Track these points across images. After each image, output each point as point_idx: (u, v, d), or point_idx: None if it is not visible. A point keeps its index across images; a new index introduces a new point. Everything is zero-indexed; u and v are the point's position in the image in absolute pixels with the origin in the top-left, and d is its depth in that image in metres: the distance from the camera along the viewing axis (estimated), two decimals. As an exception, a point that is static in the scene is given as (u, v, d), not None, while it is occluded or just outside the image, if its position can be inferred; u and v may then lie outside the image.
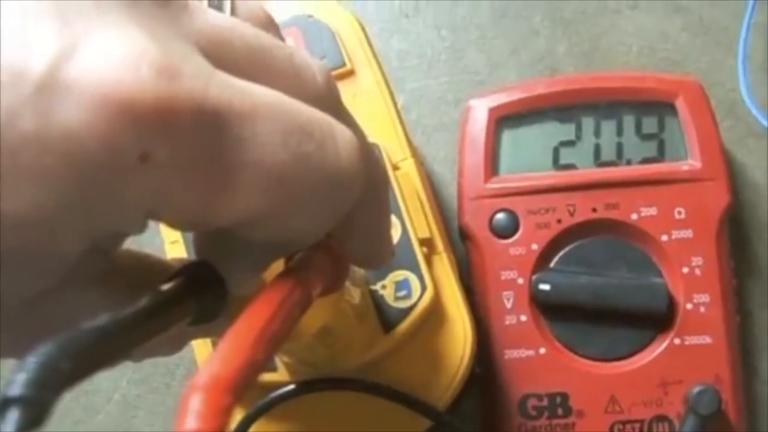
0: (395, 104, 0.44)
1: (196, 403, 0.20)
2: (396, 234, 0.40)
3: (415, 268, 0.40)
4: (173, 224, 0.25)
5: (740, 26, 0.48)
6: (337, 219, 0.27)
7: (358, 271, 0.38)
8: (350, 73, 0.44)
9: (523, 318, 0.45)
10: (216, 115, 0.22)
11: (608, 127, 0.47)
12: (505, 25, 0.53)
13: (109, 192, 0.22)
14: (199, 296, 0.26)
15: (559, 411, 0.44)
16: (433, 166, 0.50)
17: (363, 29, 0.45)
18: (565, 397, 0.44)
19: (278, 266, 0.30)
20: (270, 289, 0.25)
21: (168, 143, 0.21)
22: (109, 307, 0.24)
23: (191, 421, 0.20)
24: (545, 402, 0.44)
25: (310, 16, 0.44)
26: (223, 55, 0.24)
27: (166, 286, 0.25)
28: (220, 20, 0.25)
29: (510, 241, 0.45)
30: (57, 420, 0.49)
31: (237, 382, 0.21)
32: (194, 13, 0.24)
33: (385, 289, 0.40)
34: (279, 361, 0.39)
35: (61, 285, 0.24)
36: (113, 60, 0.21)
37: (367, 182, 0.27)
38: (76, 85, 0.21)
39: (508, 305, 0.45)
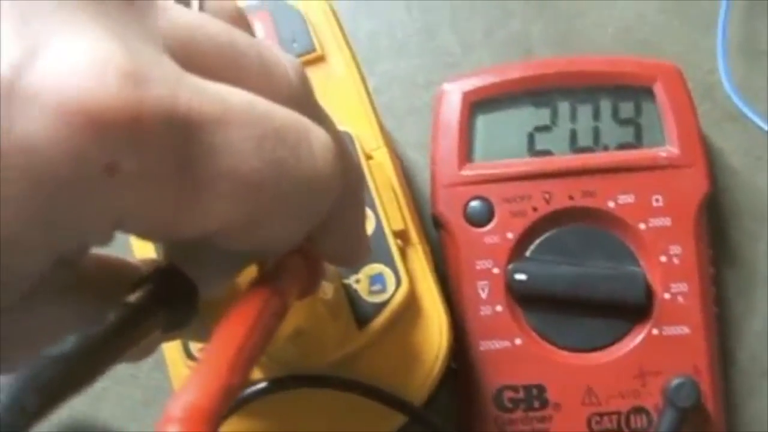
0: (367, 91, 0.43)
1: (172, 437, 0.19)
2: (370, 227, 0.39)
3: (389, 262, 0.39)
4: (142, 235, 0.24)
5: (718, 8, 0.47)
6: (314, 224, 0.26)
7: (331, 267, 0.37)
8: (321, 58, 0.42)
9: (499, 308, 0.44)
10: (186, 122, 0.21)
11: (585, 112, 0.46)
12: (479, 5, 0.51)
13: (74, 205, 0.20)
14: (169, 305, 0.25)
15: (536, 403, 0.43)
16: (405, 150, 0.49)
17: (334, 13, 0.43)
18: (541, 389, 0.43)
19: (252, 268, 0.29)
20: (244, 303, 0.24)
21: (136, 153, 0.20)
22: (77, 319, 0.23)
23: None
24: (521, 394, 0.43)
25: (278, 0, 0.43)
26: (192, 56, 0.23)
27: (134, 297, 0.24)
28: (188, 18, 0.24)
29: (485, 229, 0.44)
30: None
31: (215, 411, 0.20)
32: (161, 11, 0.23)
33: (359, 283, 0.39)
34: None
35: (25, 300, 0.23)
36: (76, 66, 0.20)
37: (343, 183, 0.26)
38: (38, 93, 0.19)
39: (484, 295, 0.44)
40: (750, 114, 0.45)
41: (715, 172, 0.47)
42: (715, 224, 0.47)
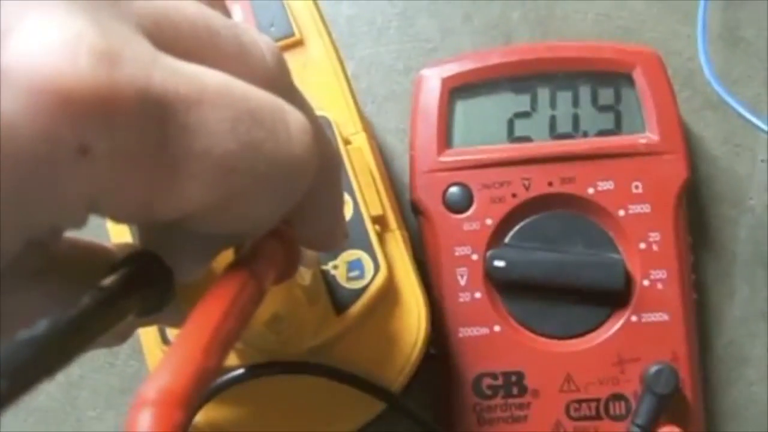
0: (346, 75, 0.42)
1: (145, 420, 0.19)
2: (348, 212, 0.39)
3: (367, 248, 0.39)
4: (117, 218, 0.24)
5: (698, -7, 0.47)
6: (290, 206, 0.25)
7: (309, 252, 0.37)
8: (299, 42, 0.42)
9: (478, 295, 0.44)
10: (160, 103, 0.21)
11: (564, 98, 0.46)
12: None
13: (46, 186, 0.20)
14: (144, 290, 0.25)
15: (514, 390, 0.43)
16: (384, 136, 0.49)
17: (314, -2, 0.43)
18: (520, 375, 0.43)
19: (228, 252, 0.28)
20: (220, 286, 0.24)
21: (109, 135, 0.20)
22: (50, 303, 0.23)
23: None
24: (500, 381, 0.43)
25: (257, -17, 0.42)
26: (167, 36, 0.22)
27: (108, 281, 0.24)
28: None
29: (464, 216, 0.44)
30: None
31: (189, 394, 0.20)
32: None
33: (337, 269, 0.39)
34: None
35: None
36: (49, 45, 0.19)
37: (319, 166, 0.26)
38: (10, 72, 0.19)
39: (462, 282, 0.44)
40: (730, 101, 0.44)
41: (695, 159, 0.47)
42: (695, 211, 0.47)
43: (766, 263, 0.47)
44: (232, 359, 0.38)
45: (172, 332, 0.38)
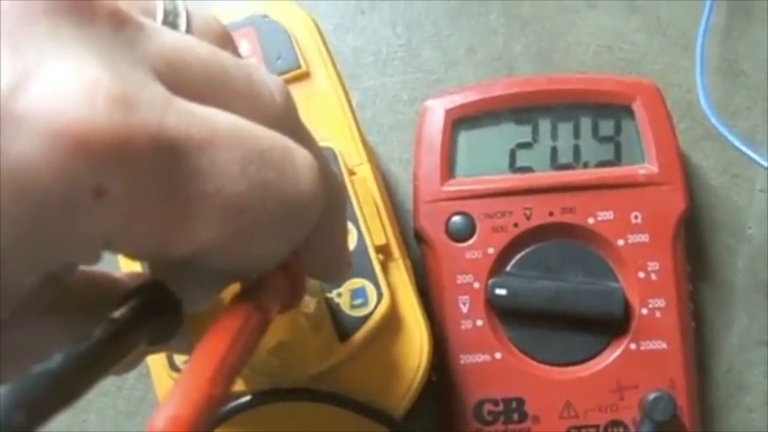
0: (351, 107, 0.43)
1: (156, 448, 0.20)
2: (352, 242, 0.40)
3: (371, 276, 0.40)
4: (130, 255, 0.25)
5: (697, 27, 0.48)
6: (298, 242, 0.26)
7: (313, 281, 0.38)
8: (305, 75, 0.43)
9: (479, 323, 0.44)
10: (173, 146, 0.22)
11: (565, 129, 0.47)
12: (462, 22, 0.52)
13: (62, 226, 0.21)
14: (154, 320, 0.26)
15: (515, 416, 0.44)
16: (388, 165, 0.50)
17: (318, 29, 0.44)
18: (520, 402, 0.44)
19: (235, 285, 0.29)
20: (226, 317, 0.25)
21: (124, 177, 0.21)
22: (64, 335, 0.23)
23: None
24: (501, 407, 0.44)
25: (265, 16, 0.43)
26: (180, 78, 0.23)
27: (119, 313, 0.24)
28: (176, 41, 0.24)
29: (466, 244, 0.45)
30: None
31: (196, 422, 0.21)
32: (150, 35, 0.24)
33: (341, 297, 0.39)
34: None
35: (13, 317, 0.24)
36: (66, 90, 0.20)
37: (325, 201, 0.27)
38: (28, 116, 0.20)
39: (464, 310, 0.45)
40: (726, 133, 0.45)
41: (694, 189, 0.48)
42: (693, 240, 0.48)
43: (765, 292, 0.48)
44: (238, 384, 0.39)
45: (179, 358, 0.39)
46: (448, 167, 0.46)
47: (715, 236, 0.48)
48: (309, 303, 0.36)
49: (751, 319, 0.47)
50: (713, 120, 0.46)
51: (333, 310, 0.39)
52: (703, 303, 0.47)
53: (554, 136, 0.47)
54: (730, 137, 0.45)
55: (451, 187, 0.46)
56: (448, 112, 0.47)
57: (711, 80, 0.48)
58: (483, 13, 0.52)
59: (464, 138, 0.47)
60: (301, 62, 0.43)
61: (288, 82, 0.42)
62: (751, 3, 0.51)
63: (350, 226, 0.40)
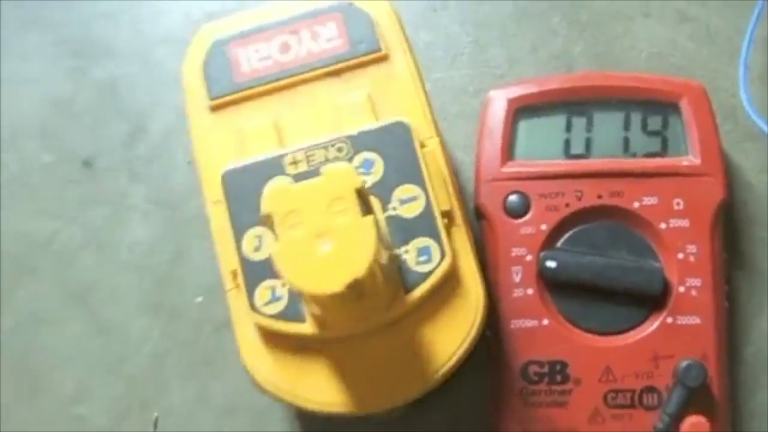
0: (424, 89, 0.48)
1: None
2: (420, 206, 0.44)
3: (436, 237, 0.44)
4: None
5: (743, 37, 0.52)
6: None
7: (386, 236, 0.42)
8: (385, 57, 0.47)
9: (530, 291, 0.49)
10: None
11: (616, 122, 0.51)
12: (526, 24, 0.57)
13: None
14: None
15: (558, 377, 0.48)
16: (453, 150, 0.54)
17: (398, 18, 0.48)
18: (564, 365, 0.48)
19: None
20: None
21: None
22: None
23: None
24: (546, 369, 0.48)
25: (350, 4, 0.48)
26: None
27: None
28: None
29: (521, 221, 0.49)
30: (87, 366, 0.53)
31: None
32: None
33: (408, 254, 0.44)
34: (307, 313, 0.43)
35: None
36: None
37: None
38: None
39: (517, 279, 0.49)
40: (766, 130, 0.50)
41: (733, 186, 0.52)
42: (731, 232, 0.52)
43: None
44: (311, 327, 0.43)
45: (260, 299, 0.43)
46: (508, 150, 0.51)
47: (751, 229, 0.52)
48: (383, 254, 0.41)
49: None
50: (755, 118, 0.50)
51: (400, 265, 0.44)
52: (737, 289, 0.51)
53: (606, 127, 0.51)
54: (768, 133, 0.49)
55: (509, 169, 0.50)
56: (510, 101, 0.51)
57: (753, 86, 0.53)
58: (546, 17, 0.57)
59: (524, 125, 0.51)
60: (381, 46, 0.47)
61: (369, 63, 0.48)
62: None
63: (419, 191, 0.44)
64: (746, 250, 0.52)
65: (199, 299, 0.54)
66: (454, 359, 0.44)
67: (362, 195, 0.39)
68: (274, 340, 0.44)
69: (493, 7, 0.57)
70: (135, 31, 0.60)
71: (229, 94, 0.48)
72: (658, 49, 0.56)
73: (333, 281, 0.38)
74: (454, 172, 0.51)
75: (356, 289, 0.39)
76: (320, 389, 0.44)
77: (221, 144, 0.47)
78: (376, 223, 0.39)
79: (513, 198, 0.50)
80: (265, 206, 0.39)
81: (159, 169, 0.57)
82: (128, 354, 0.54)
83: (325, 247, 0.38)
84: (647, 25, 0.56)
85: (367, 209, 0.39)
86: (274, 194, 0.39)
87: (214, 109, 0.48)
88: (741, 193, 0.53)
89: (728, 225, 0.51)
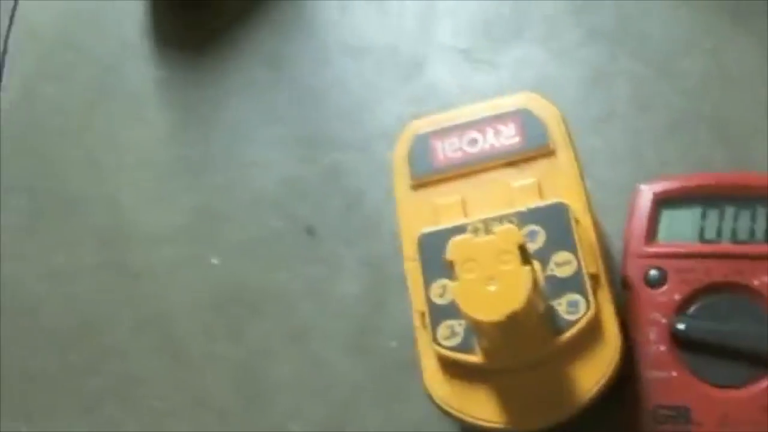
0: (582, 178, 0.59)
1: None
2: (572, 268, 0.55)
3: (583, 293, 0.54)
4: None
5: None
6: None
7: (543, 290, 0.54)
8: (552, 152, 0.59)
9: (662, 348, 0.59)
10: None
11: (745, 215, 0.61)
12: (677, 134, 0.68)
13: None
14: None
15: (682, 420, 0.58)
16: (610, 237, 0.66)
17: (564, 122, 0.60)
18: (687, 410, 0.57)
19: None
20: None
21: None
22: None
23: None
24: (672, 412, 0.58)
25: (527, 109, 0.61)
26: None
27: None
28: None
29: (659, 291, 0.60)
30: (301, 393, 0.67)
31: None
32: None
33: (560, 305, 0.54)
34: (478, 346, 0.55)
35: None
36: None
37: None
38: None
39: (652, 337, 0.59)
40: None
41: None
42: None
43: None
44: (479, 357, 0.55)
45: (442, 333, 0.56)
46: (651, 233, 0.62)
47: None
48: (539, 302, 0.53)
49: None
50: None
51: (553, 313, 0.55)
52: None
53: (736, 218, 0.61)
54: None
55: (651, 248, 0.61)
56: (655, 194, 0.63)
57: None
58: (693, 133, 0.68)
59: (665, 214, 0.62)
60: (549, 143, 0.60)
61: (539, 156, 0.60)
62: None
63: (572, 257, 0.55)
64: None
65: (393, 344, 0.67)
66: (594, 392, 0.54)
67: (523, 250, 0.51)
68: (450, 368, 0.56)
69: (649, 122, 0.69)
70: (357, 127, 0.75)
71: (427, 176, 0.61)
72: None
73: (496, 312, 0.49)
74: (606, 249, 0.62)
75: (514, 322, 0.50)
76: (484, 409, 0.55)
77: (419, 215, 0.60)
78: (533, 272, 0.50)
79: (653, 272, 0.61)
80: (450, 253, 0.52)
81: (369, 237, 0.70)
82: (334, 384, 0.67)
83: (492, 287, 0.50)
84: None
85: (526, 261, 0.51)
86: (457, 244, 0.51)
87: (415, 187, 0.61)
88: None
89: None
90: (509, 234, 0.51)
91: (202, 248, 0.72)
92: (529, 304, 0.50)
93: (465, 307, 0.50)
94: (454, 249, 0.52)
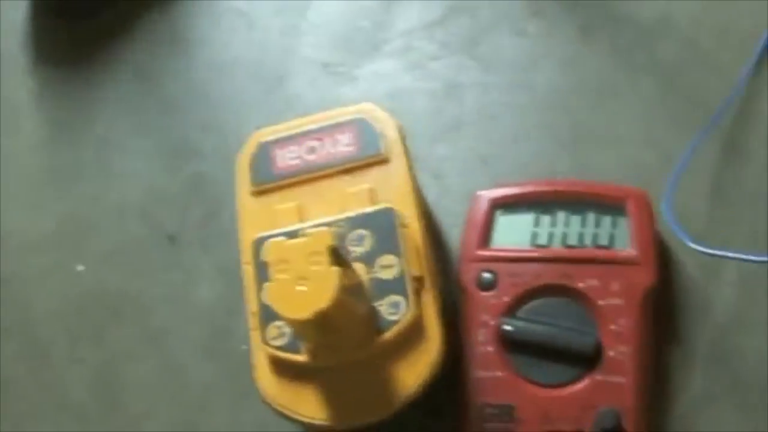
0: (415, 185, 0.61)
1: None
2: (396, 270, 0.57)
3: (405, 295, 0.55)
4: None
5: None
6: None
7: (367, 291, 0.56)
8: (386, 160, 0.61)
9: (490, 349, 0.61)
10: None
11: (575, 220, 0.63)
12: (520, 146, 0.71)
13: None
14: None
15: (506, 418, 0.60)
16: (449, 239, 0.68)
17: (401, 131, 0.62)
18: (512, 408, 0.59)
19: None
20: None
21: None
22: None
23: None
24: (497, 411, 0.60)
25: (363, 119, 0.63)
26: None
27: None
28: None
29: (490, 293, 0.62)
30: (155, 394, 0.68)
31: None
32: None
33: (383, 306, 0.56)
34: (303, 346, 0.56)
35: None
36: None
37: None
38: None
39: (481, 338, 0.61)
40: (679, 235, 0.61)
41: (674, 272, 0.64)
42: (666, 310, 0.63)
43: (723, 359, 0.62)
44: (305, 356, 0.56)
45: (271, 333, 0.57)
46: (486, 238, 0.64)
47: (682, 305, 0.64)
48: (359, 303, 0.54)
49: (704, 380, 0.62)
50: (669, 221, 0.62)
51: (375, 314, 0.57)
52: (669, 358, 0.62)
53: (566, 224, 0.63)
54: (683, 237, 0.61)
55: (485, 252, 0.63)
56: (491, 200, 0.65)
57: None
58: (539, 141, 0.71)
59: (501, 219, 0.64)
60: (383, 151, 0.62)
61: (373, 164, 0.62)
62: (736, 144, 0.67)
63: (396, 260, 0.57)
64: (676, 322, 0.63)
65: (245, 347, 0.68)
66: (415, 391, 0.56)
67: (335, 252, 0.53)
68: (279, 367, 0.58)
69: (506, 134, 0.72)
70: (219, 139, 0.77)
71: (267, 183, 0.63)
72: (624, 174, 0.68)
73: (304, 310, 0.51)
74: (446, 254, 0.64)
75: (327, 321, 0.52)
76: (310, 407, 0.57)
77: (258, 220, 0.61)
78: (343, 273, 0.52)
79: (485, 275, 0.63)
80: (265, 255, 0.54)
81: (226, 245, 0.72)
82: (188, 385, 0.69)
83: (302, 287, 0.52)
84: (613, 151, 0.70)
85: (339, 263, 0.53)
86: (271, 247, 0.53)
87: (255, 194, 0.63)
88: (680, 280, 0.64)
89: (663, 304, 0.63)
90: (320, 236, 0.53)
91: (68, 255, 0.74)
92: (340, 303, 0.51)
93: (276, 306, 0.52)
94: (268, 251, 0.53)
